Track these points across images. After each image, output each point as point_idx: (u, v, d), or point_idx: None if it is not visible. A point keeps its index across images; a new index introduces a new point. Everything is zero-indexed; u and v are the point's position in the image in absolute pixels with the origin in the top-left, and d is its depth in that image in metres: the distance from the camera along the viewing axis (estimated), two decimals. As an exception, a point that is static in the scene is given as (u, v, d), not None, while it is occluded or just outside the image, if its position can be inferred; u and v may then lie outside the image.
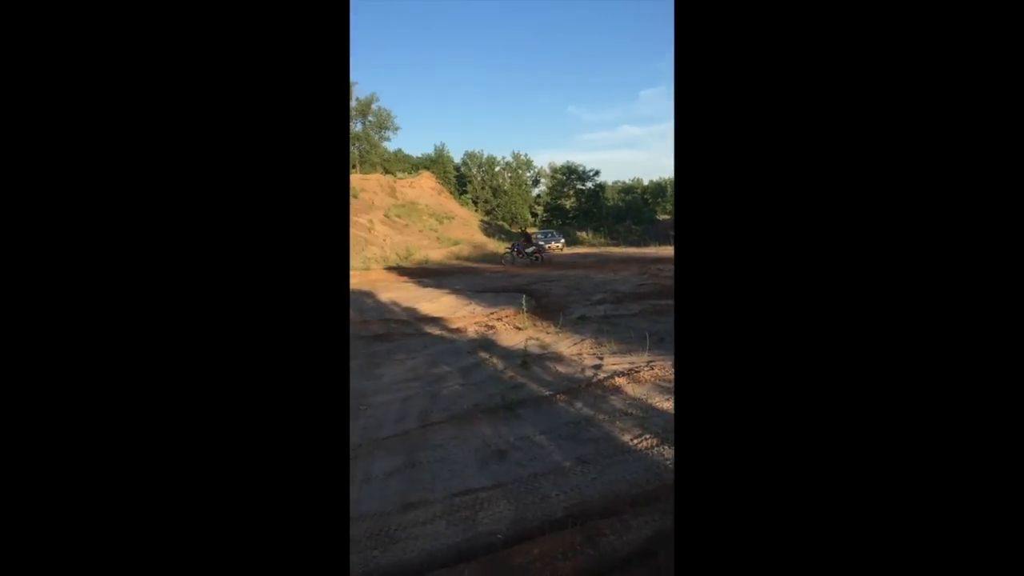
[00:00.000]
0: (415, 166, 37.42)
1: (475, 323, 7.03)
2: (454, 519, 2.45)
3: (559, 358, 5.10)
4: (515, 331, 6.42)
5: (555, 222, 36.64)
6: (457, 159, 40.10)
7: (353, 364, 5.24)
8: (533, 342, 5.74)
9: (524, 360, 4.95)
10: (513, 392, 4.11)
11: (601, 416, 3.56)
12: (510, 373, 4.69)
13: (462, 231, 28.55)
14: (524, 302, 7.56)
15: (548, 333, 6.19)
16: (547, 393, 4.11)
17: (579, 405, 3.82)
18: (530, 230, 32.99)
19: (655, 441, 3.12)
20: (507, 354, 5.34)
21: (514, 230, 33.91)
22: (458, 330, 6.72)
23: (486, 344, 5.85)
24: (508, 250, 17.04)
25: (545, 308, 7.73)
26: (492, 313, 7.54)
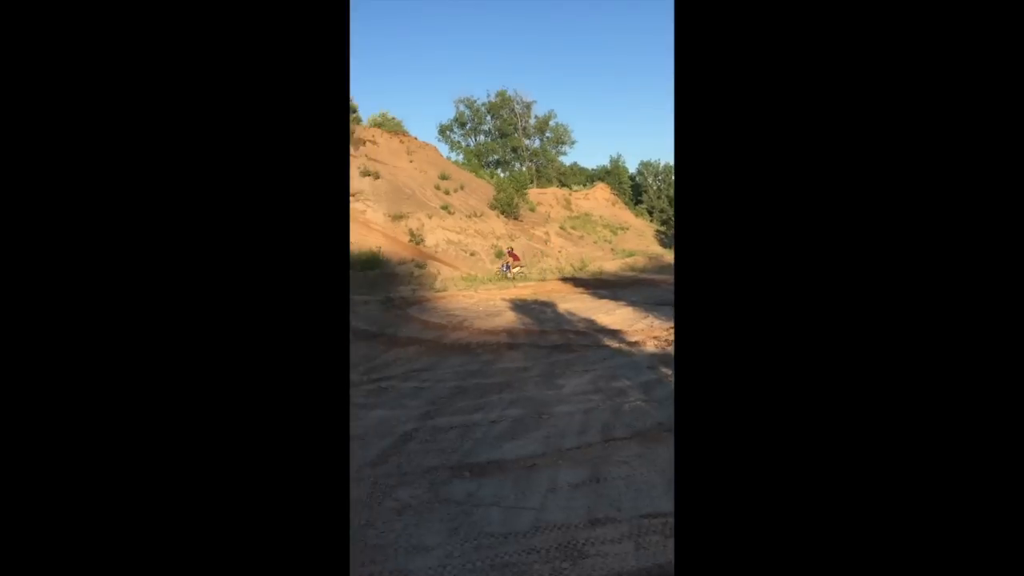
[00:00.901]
0: (590, 178, 37.73)
1: (653, 337, 6.82)
2: (643, 542, 2.38)
3: (750, 379, 4.70)
4: (698, 348, 6.08)
5: (738, 231, 34.11)
6: (632, 169, 39.64)
7: (534, 373, 5.41)
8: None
9: (710, 379, 4.66)
10: (700, 413, 3.88)
11: (805, 448, 3.20)
12: (695, 392, 4.44)
13: (636, 242, 28.04)
14: (707, 317, 7.14)
15: (736, 351, 5.75)
16: (738, 417, 3.81)
17: (777, 433, 3.48)
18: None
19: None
20: (691, 372, 5.07)
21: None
22: (636, 343, 6.57)
23: (666, 360, 5.63)
24: (503, 264, 15.56)
25: (731, 324, 7.21)
26: (671, 327, 7.25)
